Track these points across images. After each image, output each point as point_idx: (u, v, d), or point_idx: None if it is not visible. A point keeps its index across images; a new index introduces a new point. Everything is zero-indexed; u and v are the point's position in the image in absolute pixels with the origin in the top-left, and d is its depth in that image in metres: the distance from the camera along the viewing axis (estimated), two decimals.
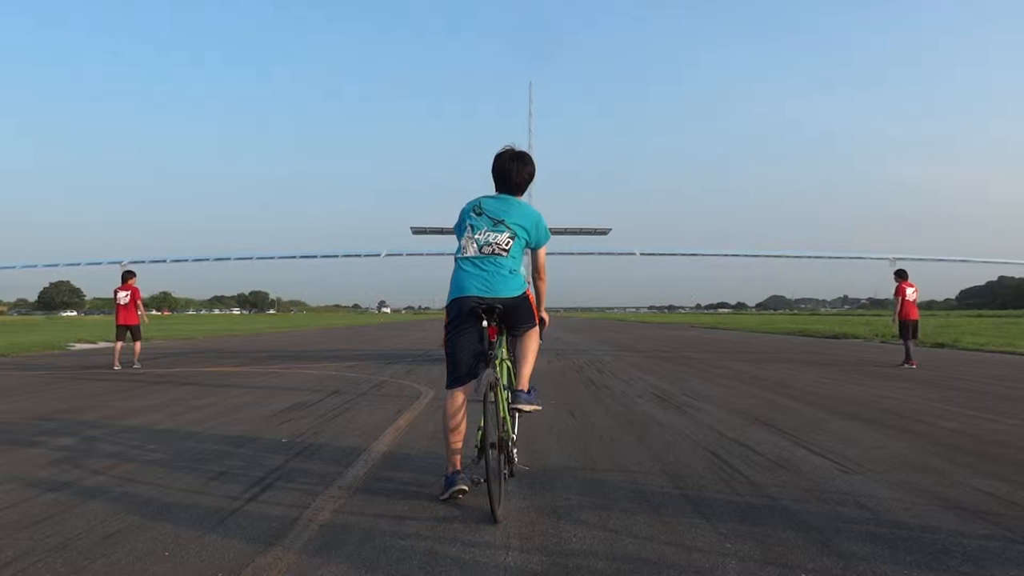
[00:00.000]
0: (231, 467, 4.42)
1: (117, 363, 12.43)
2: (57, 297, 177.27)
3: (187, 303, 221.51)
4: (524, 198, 4.00)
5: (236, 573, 2.65)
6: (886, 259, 14.61)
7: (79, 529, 3.16)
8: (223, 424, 6.18)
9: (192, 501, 3.63)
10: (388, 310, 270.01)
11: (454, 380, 3.62)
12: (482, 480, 3.34)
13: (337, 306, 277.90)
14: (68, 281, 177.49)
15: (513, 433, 3.81)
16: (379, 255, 19.36)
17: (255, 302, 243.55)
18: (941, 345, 18.69)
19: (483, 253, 3.68)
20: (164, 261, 20.37)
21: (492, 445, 3.32)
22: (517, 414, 3.77)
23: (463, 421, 3.58)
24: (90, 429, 5.96)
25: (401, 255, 19.84)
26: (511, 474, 3.80)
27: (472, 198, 3.90)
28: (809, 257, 21.35)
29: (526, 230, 3.77)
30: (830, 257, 22.14)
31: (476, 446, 3.57)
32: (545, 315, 4.16)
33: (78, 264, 21.09)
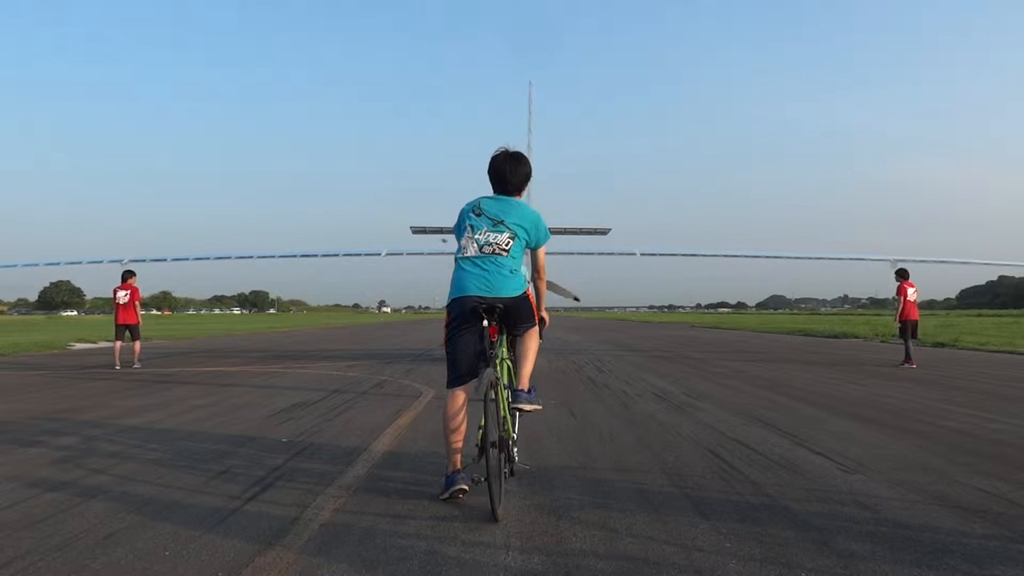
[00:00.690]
0: (231, 466, 4.42)
1: (117, 363, 12.44)
2: (57, 297, 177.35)
3: (187, 303, 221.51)
4: (524, 198, 4.01)
5: (236, 572, 2.65)
6: (887, 261, 14.60)
7: (79, 529, 3.16)
8: (223, 423, 6.19)
9: (192, 500, 3.63)
10: (388, 310, 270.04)
11: (455, 379, 3.63)
12: (483, 479, 3.35)
13: (337, 306, 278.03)
14: (68, 281, 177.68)
15: (514, 432, 3.82)
16: (379, 254, 19.36)
17: (255, 302, 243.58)
18: (941, 345, 18.69)
19: (483, 253, 3.69)
20: (165, 260, 20.36)
21: (493, 444, 3.33)
22: (517, 413, 3.77)
23: (464, 421, 3.59)
24: (90, 428, 5.96)
25: (401, 255, 19.83)
26: (511, 473, 3.80)
27: (471, 199, 3.92)
28: (810, 259, 21.34)
29: (526, 230, 3.78)
30: (831, 259, 22.13)
31: (477, 445, 3.58)
32: (545, 315, 4.16)
33: (79, 262, 21.08)
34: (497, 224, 3.73)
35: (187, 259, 20.69)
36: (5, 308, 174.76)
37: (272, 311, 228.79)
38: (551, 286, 19.24)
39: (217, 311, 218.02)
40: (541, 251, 4.04)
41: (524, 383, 3.70)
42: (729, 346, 20.30)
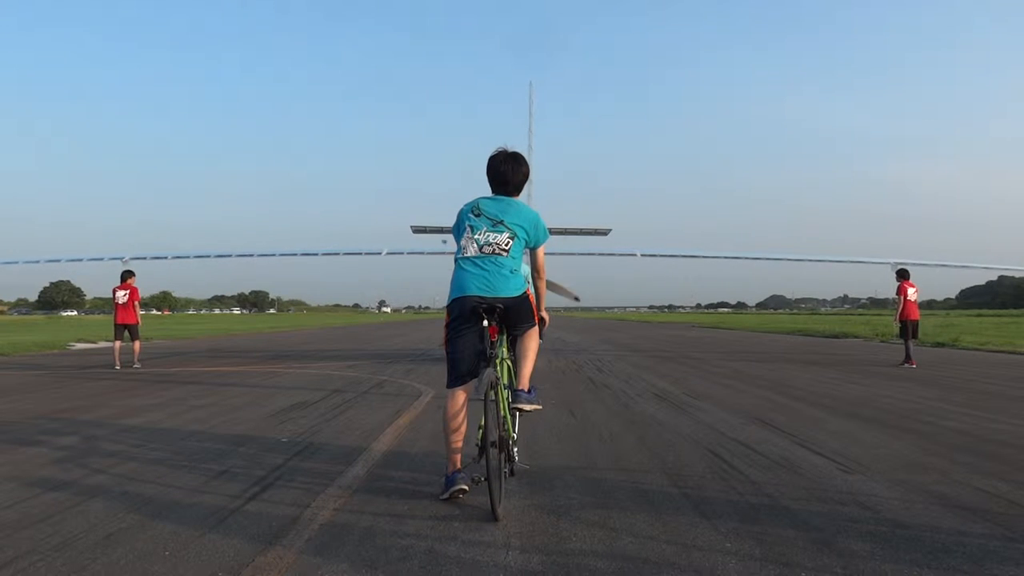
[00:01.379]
0: (231, 466, 4.42)
1: (118, 362, 12.44)
2: (57, 297, 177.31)
3: (187, 303, 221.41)
4: (524, 199, 4.02)
5: (236, 572, 2.65)
6: (887, 264, 14.61)
7: (79, 528, 3.16)
8: (223, 423, 6.18)
9: (192, 500, 3.63)
10: (388, 309, 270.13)
11: (455, 379, 3.63)
12: (483, 479, 3.35)
13: (337, 306, 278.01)
14: (68, 281, 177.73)
15: (514, 432, 3.83)
16: (380, 253, 19.37)
17: (255, 302, 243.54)
18: (941, 344, 18.69)
19: (483, 253, 3.69)
20: (166, 258, 20.38)
21: (493, 444, 3.33)
22: (518, 413, 3.78)
23: (464, 421, 3.59)
24: (90, 428, 5.96)
25: (402, 254, 19.84)
26: (511, 473, 3.82)
27: (470, 199, 3.92)
28: (811, 261, 21.35)
29: (525, 230, 3.79)
30: (832, 261, 22.15)
31: (477, 445, 3.59)
32: (545, 314, 4.18)
33: (80, 259, 21.07)
34: (496, 224, 3.73)
35: (188, 256, 20.70)
36: (5, 308, 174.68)
37: (272, 311, 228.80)
38: (551, 286, 19.26)
39: (217, 311, 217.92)
40: (540, 251, 4.04)
41: (524, 383, 3.70)
42: (729, 346, 20.30)
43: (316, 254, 20.96)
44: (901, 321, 12.62)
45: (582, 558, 2.78)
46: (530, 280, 4.18)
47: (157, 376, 11.08)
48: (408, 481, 4.04)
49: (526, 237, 3.80)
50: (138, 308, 12.99)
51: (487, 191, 3.95)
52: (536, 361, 3.83)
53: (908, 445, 5.08)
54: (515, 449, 3.84)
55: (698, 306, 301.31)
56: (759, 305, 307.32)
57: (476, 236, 3.72)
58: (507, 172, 3.84)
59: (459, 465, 3.62)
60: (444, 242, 17.21)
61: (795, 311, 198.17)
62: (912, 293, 12.66)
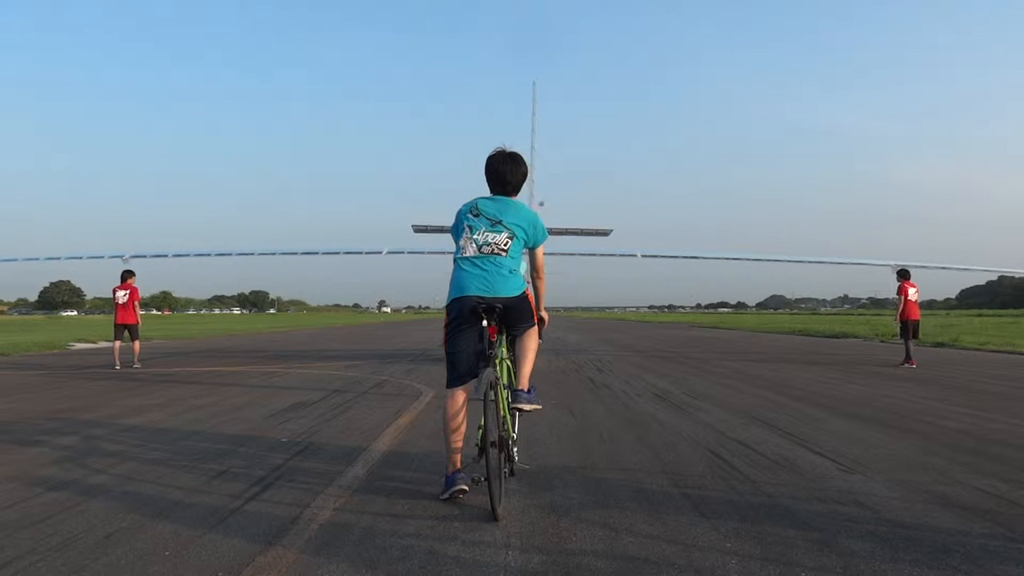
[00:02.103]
0: (231, 466, 4.42)
1: (117, 363, 12.44)
2: (57, 297, 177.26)
3: (187, 303, 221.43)
4: (524, 198, 4.02)
5: (236, 572, 2.65)
6: (887, 266, 14.63)
7: (80, 528, 3.16)
8: (223, 423, 6.18)
9: (193, 500, 3.63)
10: (388, 309, 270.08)
11: (454, 379, 3.64)
12: (483, 479, 3.35)
13: (337, 306, 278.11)
14: (68, 281, 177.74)
15: (513, 432, 3.83)
16: (381, 252, 19.39)
17: (255, 302, 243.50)
18: (941, 344, 18.69)
19: (482, 253, 3.69)
20: (166, 256, 20.38)
21: (492, 444, 3.33)
22: (517, 413, 3.78)
23: (464, 421, 3.59)
24: (91, 428, 5.96)
25: (403, 253, 19.86)
26: (511, 473, 3.82)
27: (469, 198, 3.92)
28: (812, 262, 21.37)
29: (524, 230, 3.79)
30: (832, 263, 22.17)
31: (477, 445, 3.60)
32: (544, 314, 4.18)
33: (80, 257, 21.08)
34: (495, 224, 3.73)
35: (188, 255, 20.70)
36: (5, 308, 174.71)
37: (272, 311, 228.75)
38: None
39: (217, 311, 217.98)
40: (539, 251, 4.03)
41: (524, 383, 3.70)
42: (729, 346, 20.29)
43: (317, 253, 20.98)
44: (901, 321, 12.62)
45: (582, 558, 2.78)
46: (529, 280, 4.18)
47: (157, 376, 11.08)
48: (408, 481, 4.04)
49: (525, 237, 3.80)
50: (138, 308, 12.98)
51: (486, 191, 3.95)
52: (536, 361, 3.83)
53: (908, 445, 5.08)
54: (515, 449, 3.84)
55: (698, 306, 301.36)
56: (759, 305, 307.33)
57: (475, 236, 3.72)
58: (506, 172, 3.83)
59: (459, 465, 3.62)
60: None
61: (795, 311, 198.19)
62: (913, 293, 12.66)
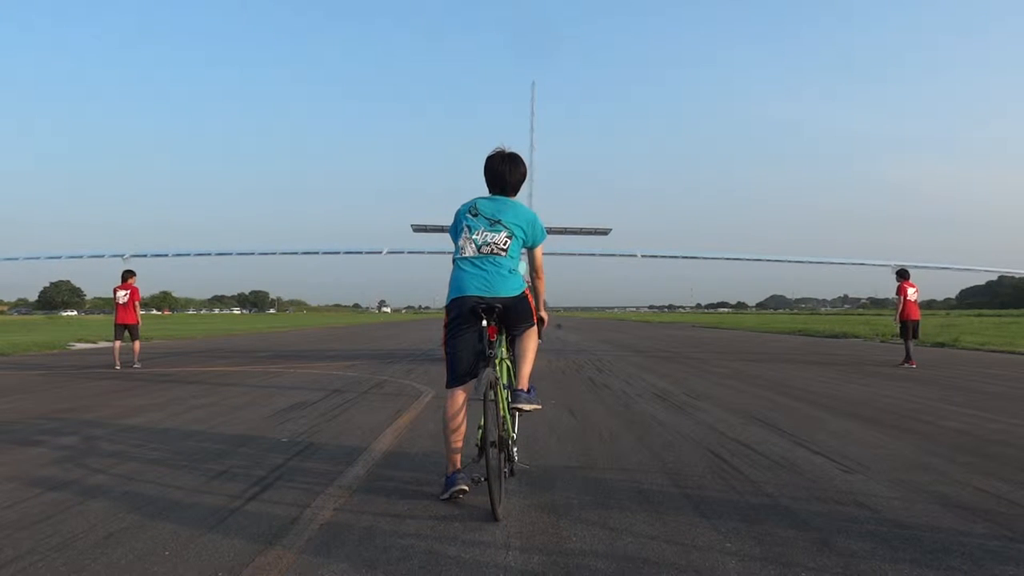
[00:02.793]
0: (231, 466, 4.42)
1: (117, 363, 12.44)
2: (57, 296, 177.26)
3: (187, 303, 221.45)
4: (523, 198, 4.02)
5: (236, 572, 2.65)
6: (888, 266, 14.64)
7: (79, 528, 3.16)
8: (223, 423, 6.18)
9: (193, 500, 3.63)
10: (388, 309, 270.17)
11: (454, 380, 3.63)
12: (483, 479, 3.35)
13: (337, 306, 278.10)
14: (68, 281, 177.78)
15: (513, 432, 3.83)
16: (381, 252, 19.41)
17: (255, 302, 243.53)
18: (941, 344, 18.69)
19: (482, 253, 3.69)
20: (166, 255, 20.39)
21: (492, 444, 3.33)
22: (517, 413, 3.78)
23: (463, 421, 3.59)
24: (91, 428, 5.96)
25: (403, 253, 19.88)
26: (511, 473, 3.83)
27: (468, 198, 3.92)
28: (812, 263, 21.39)
29: (523, 229, 3.79)
30: (833, 263, 22.19)
31: (476, 445, 3.60)
32: (544, 314, 4.17)
33: (80, 256, 21.08)
34: (494, 224, 3.73)
35: (188, 255, 20.71)
36: (5, 308, 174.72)
37: (272, 311, 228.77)
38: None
39: (217, 311, 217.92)
40: (539, 250, 4.03)
41: (524, 383, 3.70)
42: (729, 346, 20.30)
43: (317, 252, 21.00)
44: (901, 321, 12.62)
45: (582, 558, 2.78)
46: (529, 280, 4.18)
47: (157, 376, 11.08)
48: (408, 481, 4.04)
49: (524, 237, 3.80)
50: (138, 308, 12.98)
51: (486, 191, 3.95)
52: (535, 361, 3.83)
53: (908, 445, 5.08)
54: (515, 449, 3.84)
55: (698, 306, 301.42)
56: (759, 305, 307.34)
57: (474, 236, 3.72)
58: (504, 172, 3.83)
59: (459, 465, 3.62)
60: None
61: (795, 311, 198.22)
62: (912, 293, 12.66)
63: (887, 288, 13.20)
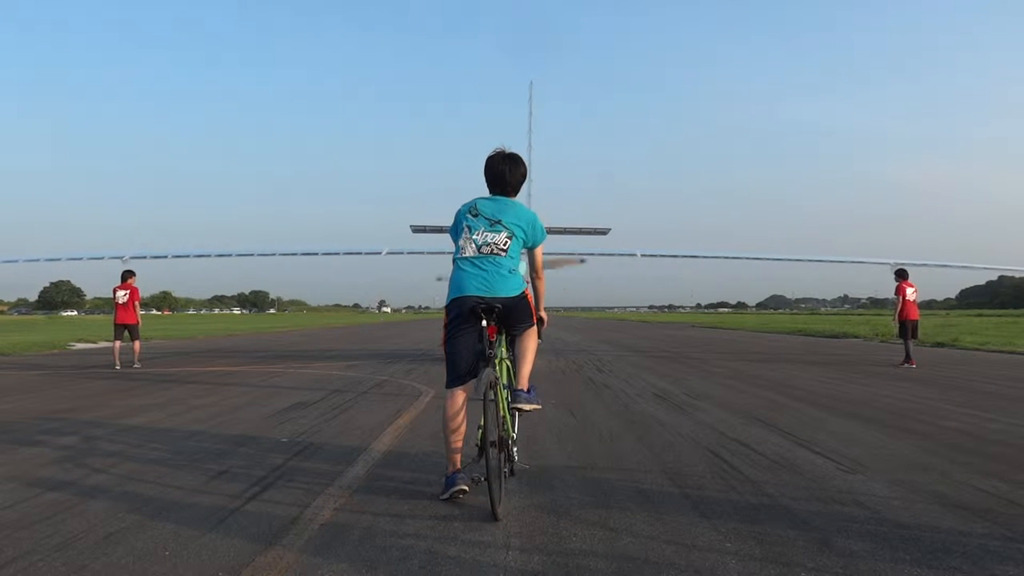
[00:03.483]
0: (231, 466, 4.42)
1: (117, 362, 12.44)
2: (57, 296, 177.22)
3: (187, 303, 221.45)
4: (523, 199, 4.03)
5: (236, 572, 2.65)
6: (887, 264, 14.63)
7: (79, 528, 3.16)
8: (223, 423, 6.18)
9: (193, 500, 3.63)
10: (388, 309, 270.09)
11: (454, 380, 3.64)
12: (483, 479, 3.35)
13: (338, 306, 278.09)
14: (68, 281, 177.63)
15: (513, 432, 3.83)
16: (380, 253, 19.40)
17: (255, 302, 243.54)
18: (941, 344, 18.69)
19: (482, 253, 3.70)
20: (166, 256, 20.39)
21: (492, 444, 3.33)
22: (517, 413, 3.77)
23: (463, 421, 3.59)
24: (91, 428, 5.96)
25: (402, 253, 19.87)
26: (511, 472, 3.83)
27: (469, 199, 3.93)
28: (811, 261, 21.38)
29: (523, 229, 3.79)
30: (832, 261, 22.18)
31: (476, 445, 3.61)
32: (544, 314, 4.18)
33: (80, 258, 21.06)
34: (494, 224, 3.73)
35: (188, 256, 20.71)
36: (5, 308, 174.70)
37: (272, 311, 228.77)
38: (555, 264, 19.08)
39: (217, 311, 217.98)
40: (539, 251, 4.03)
41: (524, 383, 3.69)
42: (729, 346, 20.30)
43: (316, 253, 20.99)
44: (901, 321, 12.62)
45: (582, 558, 2.78)
46: (529, 280, 4.19)
47: (157, 376, 11.08)
48: (408, 481, 4.04)
49: (524, 237, 3.81)
50: (138, 308, 12.98)
51: (486, 191, 3.95)
52: (535, 361, 3.83)
53: (908, 445, 5.08)
54: (515, 449, 3.84)
55: (698, 306, 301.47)
56: (759, 305, 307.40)
57: (474, 236, 3.72)
58: (504, 172, 3.84)
59: (459, 465, 3.62)
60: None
61: (795, 311, 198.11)
62: (911, 293, 12.66)
63: (887, 288, 13.23)
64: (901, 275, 12.82)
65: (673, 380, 9.99)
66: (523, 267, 4.03)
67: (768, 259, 21.97)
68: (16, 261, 22.19)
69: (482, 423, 3.46)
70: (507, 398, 3.68)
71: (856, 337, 24.00)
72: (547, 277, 4.30)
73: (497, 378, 3.59)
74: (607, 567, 2.68)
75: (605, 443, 5.19)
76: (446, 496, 3.58)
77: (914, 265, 13.97)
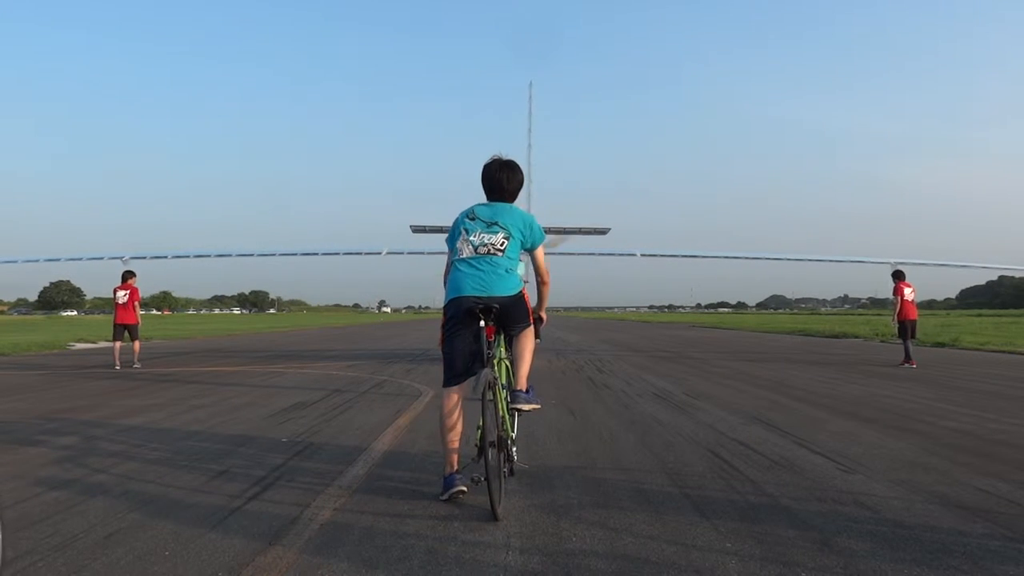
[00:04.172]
0: (232, 466, 4.42)
1: (117, 363, 12.44)
2: (57, 296, 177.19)
3: (187, 303, 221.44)
4: (523, 201, 4.06)
5: (237, 572, 2.65)
6: (888, 263, 14.65)
7: (80, 528, 3.16)
8: (224, 423, 6.18)
9: (193, 500, 3.63)
10: (388, 309, 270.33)
11: (450, 379, 3.66)
12: (482, 479, 3.34)
13: (337, 306, 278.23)
14: (68, 280, 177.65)
15: (512, 432, 3.83)
16: (380, 253, 19.42)
17: (255, 302, 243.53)
18: (941, 344, 18.68)
19: (478, 254, 3.73)
20: (166, 257, 20.39)
21: (491, 444, 3.35)
22: (516, 413, 3.78)
23: (459, 420, 3.61)
24: (91, 428, 5.96)
25: (402, 253, 19.88)
26: (511, 472, 3.84)
27: (472, 197, 3.97)
28: (811, 260, 21.40)
29: (520, 231, 3.82)
30: (831, 260, 22.20)
31: (476, 445, 3.61)
32: (543, 314, 4.21)
33: (80, 259, 21.06)
34: (491, 226, 3.77)
35: (188, 256, 20.71)
36: (5, 308, 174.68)
37: (272, 311, 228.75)
38: (552, 244, 19.16)
39: (217, 311, 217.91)
40: (539, 252, 4.02)
41: (522, 383, 3.70)
42: (729, 346, 20.30)
43: (316, 253, 21.00)
44: (900, 321, 12.65)
45: (582, 558, 2.78)
46: (527, 280, 4.19)
47: (157, 376, 11.08)
48: (408, 481, 4.04)
49: (522, 238, 3.83)
50: (138, 308, 12.99)
51: (483, 195, 3.98)
52: (533, 361, 3.85)
53: (908, 445, 5.08)
54: (514, 449, 3.85)
55: (698, 306, 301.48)
56: (759, 305, 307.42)
57: (471, 238, 3.76)
58: (502, 180, 3.88)
59: (456, 466, 3.61)
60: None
61: (795, 311, 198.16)
62: (909, 293, 12.70)
63: (887, 287, 13.27)
64: (898, 276, 12.86)
65: (673, 380, 9.99)
66: (520, 268, 4.04)
67: (768, 258, 21.97)
68: (16, 261, 22.20)
69: (481, 423, 3.46)
70: (506, 398, 3.67)
71: (856, 337, 24.00)
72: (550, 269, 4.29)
73: (496, 378, 3.60)
74: (607, 567, 2.68)
75: (605, 443, 5.19)
76: (445, 497, 3.58)
77: (914, 265, 13.99)
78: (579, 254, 21.34)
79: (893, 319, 12.99)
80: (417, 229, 20.00)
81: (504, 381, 3.82)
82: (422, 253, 20.04)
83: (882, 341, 21.04)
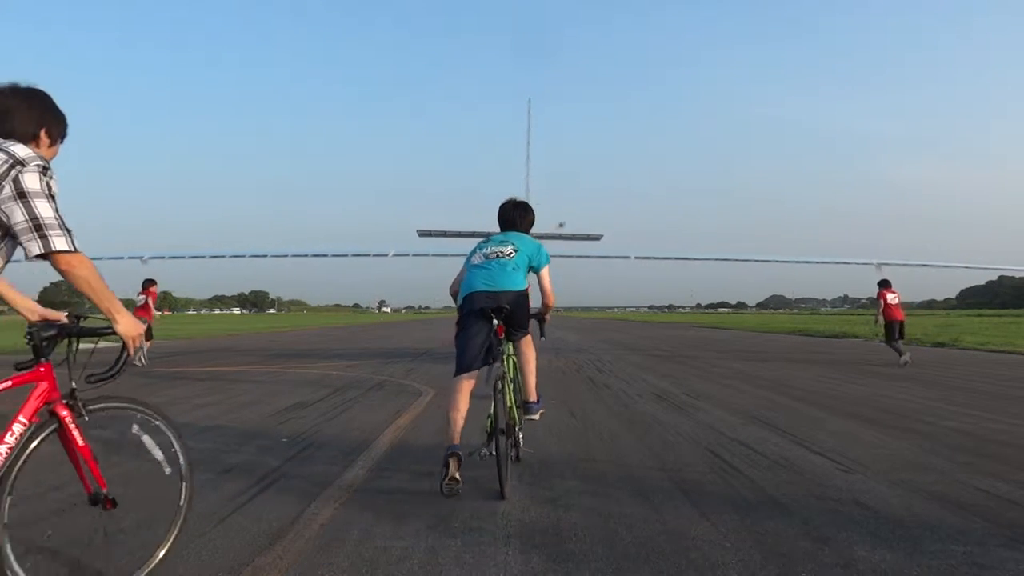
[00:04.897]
0: (232, 466, 4.42)
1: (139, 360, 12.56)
2: (57, 296, 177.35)
3: (187, 303, 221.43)
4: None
5: (237, 572, 2.65)
6: (870, 264, 14.92)
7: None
8: (224, 423, 6.19)
9: (193, 499, 3.62)
10: (388, 310, 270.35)
11: (460, 369, 3.97)
12: (490, 454, 3.69)
13: (337, 306, 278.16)
14: None
15: (520, 421, 4.24)
16: (387, 255, 19.49)
17: (256, 302, 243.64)
18: (941, 344, 18.69)
19: (488, 259, 4.13)
20: (163, 257, 20.44)
21: (501, 431, 3.72)
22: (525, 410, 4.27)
23: (466, 404, 3.92)
24: None
25: (408, 255, 19.95)
26: (518, 457, 4.34)
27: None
28: (799, 262, 21.52)
29: (527, 252, 4.20)
30: (818, 262, 22.32)
31: (486, 431, 3.90)
32: (547, 316, 4.73)
33: None
34: (502, 243, 4.20)
35: (184, 256, 20.75)
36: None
37: (272, 311, 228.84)
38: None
39: (217, 311, 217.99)
40: (545, 273, 4.34)
41: (532, 394, 4.20)
42: (729, 346, 20.29)
43: (326, 255, 21.07)
44: (888, 322, 13.02)
45: (582, 557, 2.78)
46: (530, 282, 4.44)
47: (158, 376, 11.08)
48: (408, 481, 4.05)
49: (529, 258, 4.18)
50: (152, 308, 13.67)
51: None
52: (535, 368, 4.29)
53: (908, 445, 5.08)
54: (521, 435, 4.30)
55: (698, 306, 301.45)
56: (759, 305, 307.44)
57: (483, 250, 4.18)
58: (516, 218, 4.43)
59: (456, 440, 3.71)
60: None
61: (795, 311, 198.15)
62: (891, 298, 13.17)
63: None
64: (883, 284, 13.35)
65: (673, 380, 9.99)
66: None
67: (765, 260, 22.02)
68: (16, 261, 22.21)
69: (491, 412, 3.82)
70: (513, 391, 4.05)
71: (856, 337, 23.97)
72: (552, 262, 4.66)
73: (505, 372, 3.95)
74: (607, 566, 2.68)
75: (605, 442, 5.19)
76: (443, 478, 3.51)
77: (914, 265, 14.10)
78: (575, 257, 21.38)
79: (877, 319, 13.43)
80: (423, 233, 20.08)
81: (512, 375, 4.15)
82: (427, 255, 20.10)
83: (882, 341, 21.00)
